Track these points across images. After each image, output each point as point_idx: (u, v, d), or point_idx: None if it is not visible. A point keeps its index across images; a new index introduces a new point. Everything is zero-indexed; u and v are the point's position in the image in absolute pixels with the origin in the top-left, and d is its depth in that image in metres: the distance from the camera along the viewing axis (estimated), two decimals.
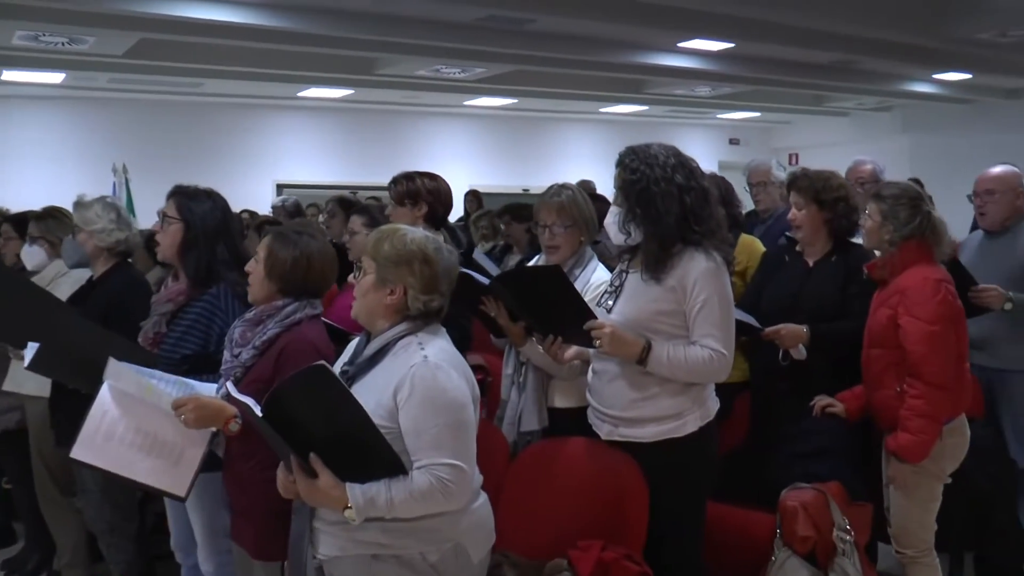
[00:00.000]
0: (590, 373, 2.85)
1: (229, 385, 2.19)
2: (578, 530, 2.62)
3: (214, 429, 2.50)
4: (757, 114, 13.91)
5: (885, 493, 3.05)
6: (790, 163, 15.39)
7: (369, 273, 2.21)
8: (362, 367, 2.19)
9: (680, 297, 2.61)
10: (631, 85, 11.03)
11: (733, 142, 14.96)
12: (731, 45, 8.49)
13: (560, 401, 3.05)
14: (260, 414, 1.99)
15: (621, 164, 2.73)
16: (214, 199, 3.00)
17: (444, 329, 2.29)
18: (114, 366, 2.43)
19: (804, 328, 3.15)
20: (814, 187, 3.28)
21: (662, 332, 2.62)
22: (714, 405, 2.71)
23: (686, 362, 2.57)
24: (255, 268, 2.60)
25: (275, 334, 2.53)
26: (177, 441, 2.48)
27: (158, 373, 2.58)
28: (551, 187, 3.16)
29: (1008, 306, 3.43)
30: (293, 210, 6.60)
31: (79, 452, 2.45)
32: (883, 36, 8.16)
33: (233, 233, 3.03)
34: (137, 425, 2.46)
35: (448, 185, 3.52)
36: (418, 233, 2.25)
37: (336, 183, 10.92)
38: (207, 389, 2.60)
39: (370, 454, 2.01)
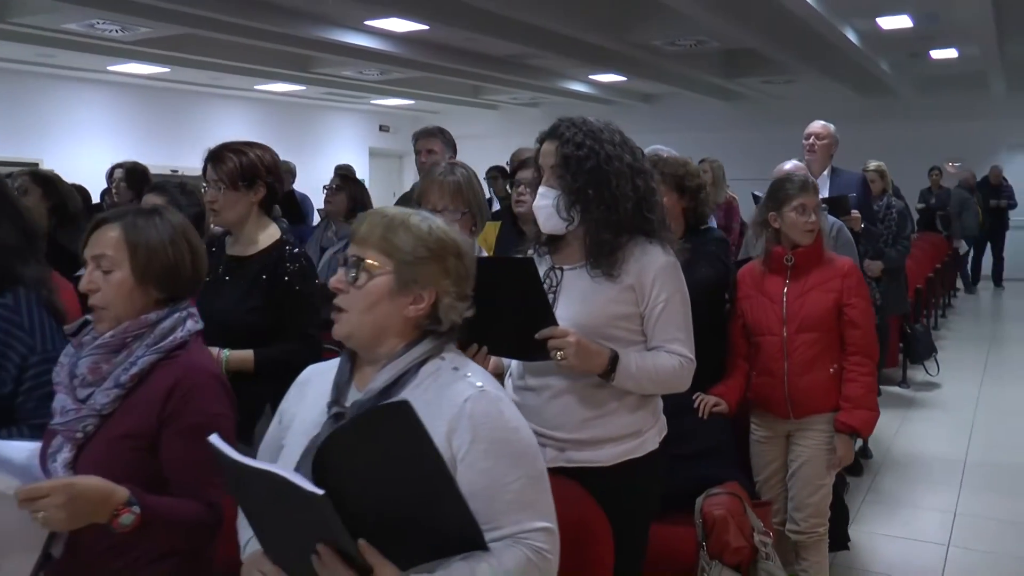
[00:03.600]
0: (511, 387, 2.40)
1: (220, 443, 1.39)
2: None
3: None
4: (410, 101, 13.84)
5: (791, 482, 3.08)
6: None
7: (381, 274, 1.57)
8: (367, 405, 1.55)
9: (638, 297, 2.26)
10: (298, 61, 10.34)
11: (383, 129, 14.78)
12: (425, 27, 8.24)
13: None
14: (315, 490, 1.27)
15: (559, 136, 2.29)
16: None
17: None
18: None
19: None
20: (677, 174, 3.12)
21: (619, 339, 2.26)
22: (664, 418, 2.42)
23: (656, 373, 2.24)
24: (107, 281, 1.76)
25: (150, 363, 1.75)
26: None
27: None
28: (440, 166, 2.63)
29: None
30: None
31: None
32: (569, 32, 8.42)
33: (19, 207, 2.09)
34: None
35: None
36: (435, 218, 1.66)
37: None
38: (18, 452, 1.74)
39: (442, 527, 1.41)
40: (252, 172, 2.66)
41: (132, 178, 5.16)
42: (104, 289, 1.76)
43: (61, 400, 1.76)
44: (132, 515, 1.58)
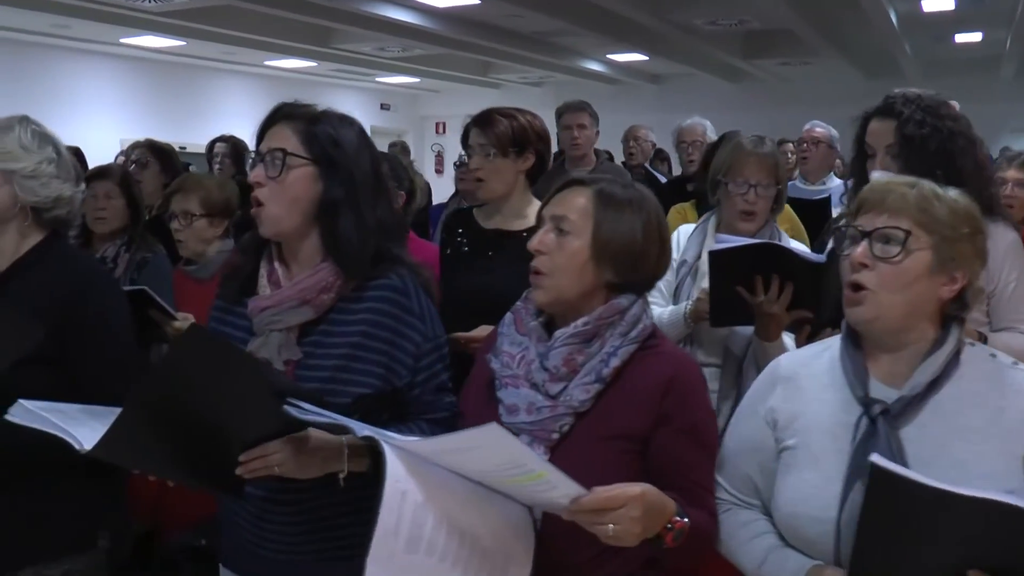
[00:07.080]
0: None
1: (889, 465, 1.25)
2: None
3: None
4: (415, 79, 13.54)
5: None
6: (437, 132, 15.35)
7: (919, 249, 1.44)
8: (912, 402, 1.45)
9: (987, 277, 2.21)
10: (318, 35, 9.99)
11: (384, 107, 14.45)
12: (475, 2, 8.03)
13: None
14: None
15: (896, 115, 2.22)
16: (355, 127, 1.81)
17: None
18: (493, 432, 1.27)
19: None
20: None
21: (969, 319, 2.20)
22: None
23: (1019, 355, 2.19)
24: (560, 246, 1.60)
25: (629, 354, 1.59)
26: (497, 549, 1.43)
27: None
28: (750, 137, 2.53)
29: None
30: None
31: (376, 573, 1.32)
32: (614, 8, 8.25)
33: (388, 185, 1.93)
34: (449, 522, 1.37)
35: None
36: (956, 191, 1.54)
37: None
38: None
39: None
40: (523, 137, 2.49)
41: (236, 152, 4.97)
42: (554, 254, 1.60)
43: (524, 395, 1.58)
44: (683, 529, 1.44)
